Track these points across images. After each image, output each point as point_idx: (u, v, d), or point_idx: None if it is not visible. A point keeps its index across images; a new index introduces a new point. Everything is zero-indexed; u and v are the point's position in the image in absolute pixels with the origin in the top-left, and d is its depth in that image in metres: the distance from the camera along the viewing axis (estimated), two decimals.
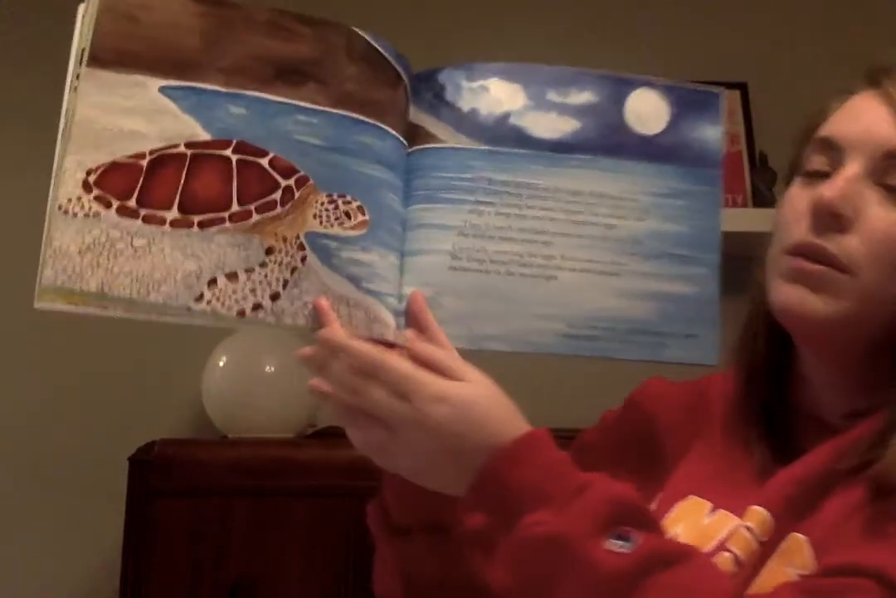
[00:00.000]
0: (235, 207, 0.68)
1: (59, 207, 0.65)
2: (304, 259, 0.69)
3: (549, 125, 0.75)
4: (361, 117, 0.72)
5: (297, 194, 0.69)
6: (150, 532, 1.44)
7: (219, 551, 1.44)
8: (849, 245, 0.66)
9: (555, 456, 0.63)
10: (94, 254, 0.65)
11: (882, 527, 0.60)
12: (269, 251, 0.68)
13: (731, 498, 0.70)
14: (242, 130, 0.69)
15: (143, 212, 0.66)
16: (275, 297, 0.68)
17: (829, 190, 0.67)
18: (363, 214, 0.70)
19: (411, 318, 0.69)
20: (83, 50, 0.68)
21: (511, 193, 0.74)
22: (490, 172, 0.73)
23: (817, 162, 0.71)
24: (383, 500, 0.75)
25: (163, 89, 0.68)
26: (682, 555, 0.59)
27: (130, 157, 0.67)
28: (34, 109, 1.88)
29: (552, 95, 0.75)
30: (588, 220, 0.74)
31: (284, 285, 0.68)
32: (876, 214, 0.66)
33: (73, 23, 0.69)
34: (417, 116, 0.74)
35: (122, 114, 0.67)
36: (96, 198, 0.66)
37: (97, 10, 0.67)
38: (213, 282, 0.67)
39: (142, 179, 0.67)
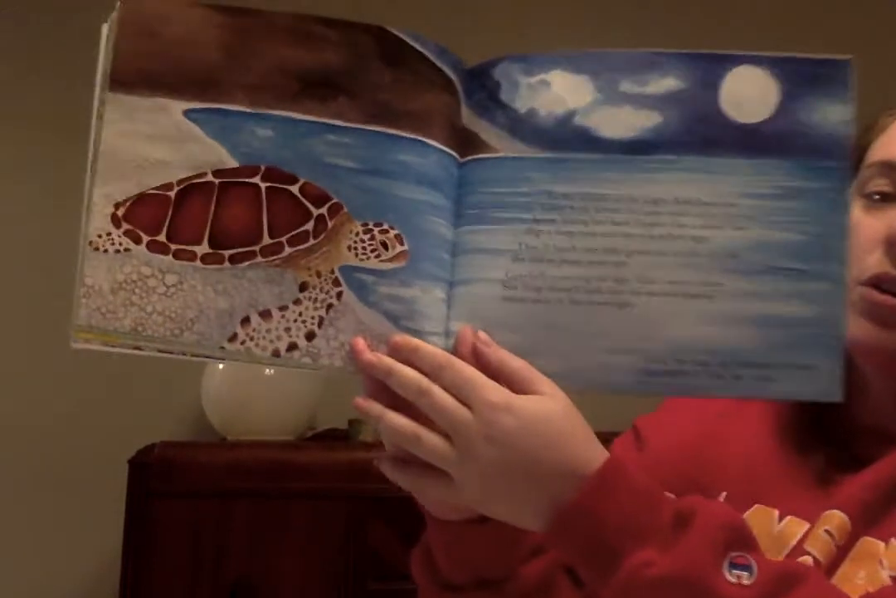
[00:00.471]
0: (266, 240, 0.64)
1: (91, 243, 0.63)
2: (339, 295, 0.64)
3: (623, 122, 0.64)
4: (399, 132, 0.65)
5: (330, 224, 0.65)
6: (150, 534, 1.44)
7: (218, 552, 1.44)
8: None
9: (644, 484, 0.59)
10: (127, 292, 0.63)
11: None
12: (302, 287, 0.65)
13: (797, 504, 0.69)
14: (270, 155, 0.65)
15: (173, 247, 0.64)
16: (310, 336, 0.64)
17: None
18: (402, 243, 0.64)
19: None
20: (106, 73, 0.64)
21: (575, 207, 0.64)
22: (550, 183, 0.64)
23: (881, 185, 0.68)
24: (430, 554, 0.70)
25: (187, 113, 0.64)
26: (799, 575, 0.58)
27: (158, 188, 0.64)
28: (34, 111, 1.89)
29: (626, 85, 0.64)
30: (672, 233, 0.63)
31: (320, 324, 0.64)
32: None
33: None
34: (471, 120, 0.66)
35: (147, 141, 0.64)
36: (126, 233, 0.63)
37: (117, 24, 0.64)
38: (246, 320, 0.64)
39: (171, 211, 0.64)
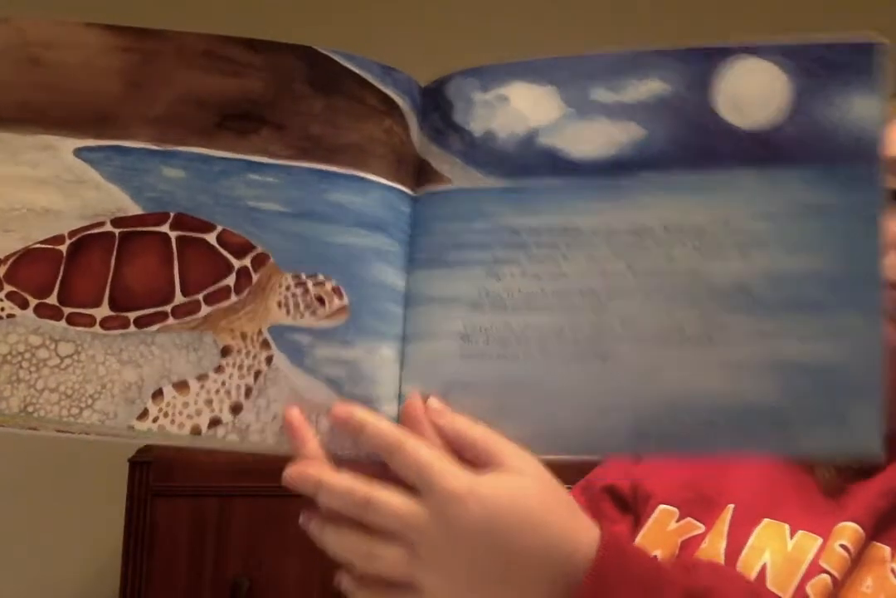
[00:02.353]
0: (179, 299, 0.56)
1: None
2: (269, 360, 0.55)
3: (597, 138, 0.54)
4: (333, 168, 0.56)
5: (255, 278, 0.56)
6: (150, 532, 1.44)
7: (219, 551, 1.45)
8: None
9: (646, 565, 0.53)
10: (13, 366, 0.55)
11: None
12: (225, 352, 0.56)
13: (808, 518, 0.68)
14: (181, 199, 0.55)
15: (67, 311, 0.55)
16: (236, 409, 0.55)
17: None
18: (341, 297, 0.55)
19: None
20: None
21: (542, 243, 0.54)
22: (511, 217, 0.54)
23: (892, 182, 0.59)
24: None
25: (79, 152, 0.56)
26: None
27: (46, 241, 0.55)
28: None
29: (600, 93, 0.54)
30: (661, 268, 0.52)
31: (247, 394, 0.55)
32: None
33: None
34: (425, 147, 0.57)
35: (31, 186, 0.55)
36: (9, 295, 0.55)
37: None
38: (158, 394, 0.55)
39: (62, 269, 0.55)
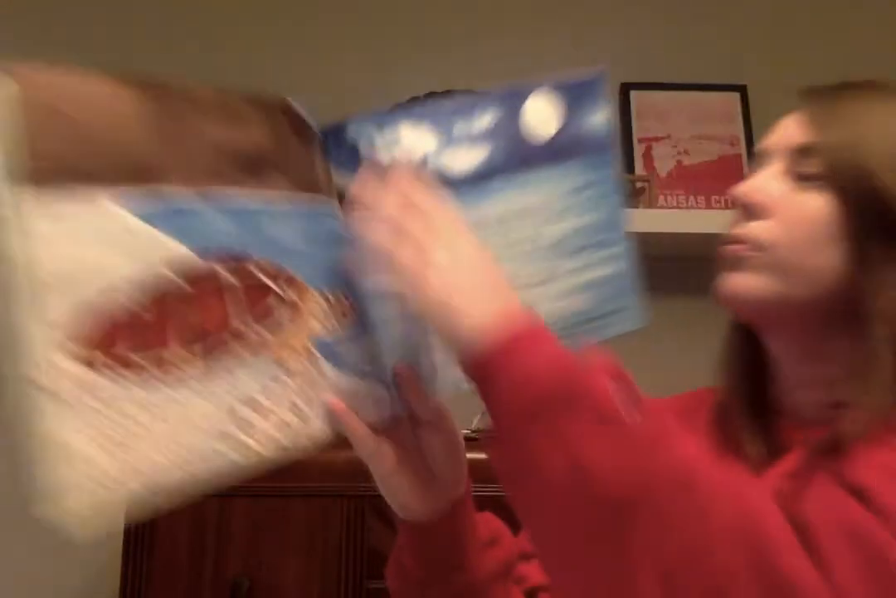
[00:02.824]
0: (235, 326, 0.60)
1: (46, 393, 0.52)
2: (315, 365, 0.65)
3: (463, 159, 0.75)
4: (322, 203, 0.68)
5: (292, 298, 0.64)
6: (150, 532, 1.44)
7: (219, 551, 1.44)
8: (765, 227, 0.72)
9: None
10: (115, 440, 0.54)
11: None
12: (280, 364, 0.62)
13: None
14: (223, 239, 0.61)
15: (143, 362, 0.56)
16: (298, 413, 0.63)
17: (741, 185, 0.75)
18: (350, 303, 0.68)
19: (403, 388, 0.70)
20: (13, 165, 0.52)
21: None
22: None
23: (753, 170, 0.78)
24: (400, 557, 0.77)
25: (123, 203, 0.57)
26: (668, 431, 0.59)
27: (106, 296, 0.54)
28: None
29: (459, 127, 0.75)
30: (517, 238, 0.76)
31: (306, 401, 0.64)
32: (789, 198, 0.72)
33: None
34: (339, 177, 0.71)
35: (85, 244, 0.54)
36: (106, 364, 0.54)
37: (18, 105, 0.52)
38: (240, 419, 0.60)
39: (133, 322, 0.55)
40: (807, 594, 0.48)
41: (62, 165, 0.54)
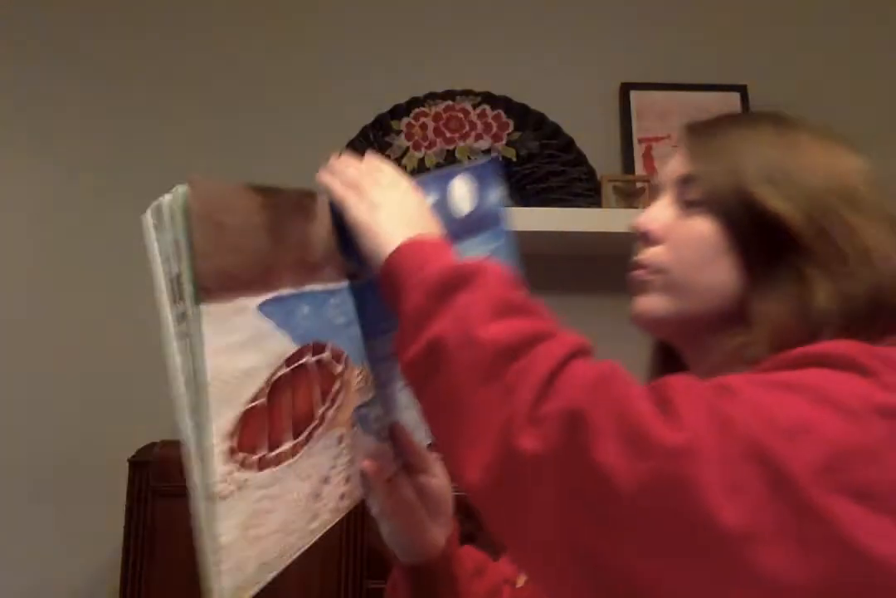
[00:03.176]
0: (318, 412, 0.64)
1: (216, 495, 0.54)
2: (355, 434, 0.70)
3: None
4: (344, 286, 0.71)
5: (344, 376, 0.68)
6: (150, 532, 1.44)
7: None
8: (659, 252, 0.78)
9: (447, 254, 0.70)
10: (255, 531, 0.56)
11: None
12: (340, 440, 0.67)
13: None
14: (312, 330, 0.64)
15: (271, 455, 0.58)
16: (347, 479, 0.69)
17: (638, 217, 0.81)
18: (370, 372, 0.73)
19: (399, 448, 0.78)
20: (184, 279, 0.53)
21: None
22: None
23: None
24: (394, 591, 0.86)
25: (261, 307, 0.59)
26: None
27: (254, 398, 0.57)
28: None
29: None
30: None
31: (351, 464, 0.69)
32: (677, 224, 0.78)
33: None
34: None
35: (239, 350, 0.56)
36: (242, 463, 0.55)
37: (191, 220, 0.53)
38: (317, 495, 0.64)
39: (268, 418, 0.58)
40: (655, 425, 0.52)
41: (227, 278, 0.55)
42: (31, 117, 1.88)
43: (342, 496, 0.67)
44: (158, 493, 1.46)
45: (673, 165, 0.83)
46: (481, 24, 1.95)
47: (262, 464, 0.57)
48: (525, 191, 1.84)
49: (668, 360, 0.84)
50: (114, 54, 1.90)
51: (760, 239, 0.73)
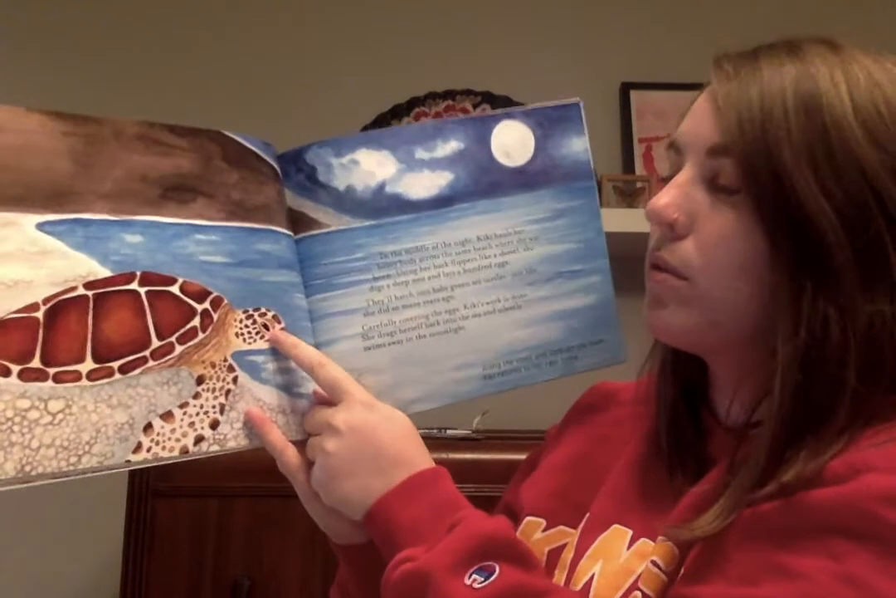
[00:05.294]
0: (156, 343, 0.65)
1: None
2: (235, 380, 0.68)
3: (424, 184, 0.76)
4: (254, 225, 0.71)
5: (215, 317, 0.68)
6: (150, 532, 1.44)
7: (219, 551, 1.45)
8: (685, 251, 0.64)
9: (447, 496, 0.65)
10: (4, 432, 0.58)
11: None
12: (200, 380, 0.66)
13: (651, 523, 0.66)
14: (143, 259, 0.65)
15: (51, 371, 0.60)
16: (214, 424, 0.67)
17: (658, 198, 0.65)
18: (279, 322, 0.71)
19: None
20: None
21: (403, 261, 0.75)
22: (379, 246, 0.75)
23: (669, 167, 0.69)
24: (342, 582, 0.79)
25: (41, 226, 0.61)
26: (541, 590, 0.59)
27: (20, 311, 0.59)
28: None
29: (420, 153, 0.77)
30: (480, 264, 0.77)
31: (221, 410, 0.67)
32: (706, 217, 0.64)
33: None
34: (295, 201, 0.75)
35: (10, 264, 0.59)
36: (5, 372, 0.58)
37: None
38: (148, 427, 0.64)
39: (41, 333, 0.60)
40: None
41: None
42: None
43: (199, 439, 0.66)
44: (158, 493, 1.46)
45: (701, 125, 0.65)
46: (481, 23, 1.95)
47: (26, 375, 0.59)
48: None
49: (680, 362, 0.74)
50: (112, 55, 1.91)
51: (800, 248, 0.59)
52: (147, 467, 1.45)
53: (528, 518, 0.75)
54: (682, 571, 0.61)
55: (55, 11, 1.91)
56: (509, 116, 0.78)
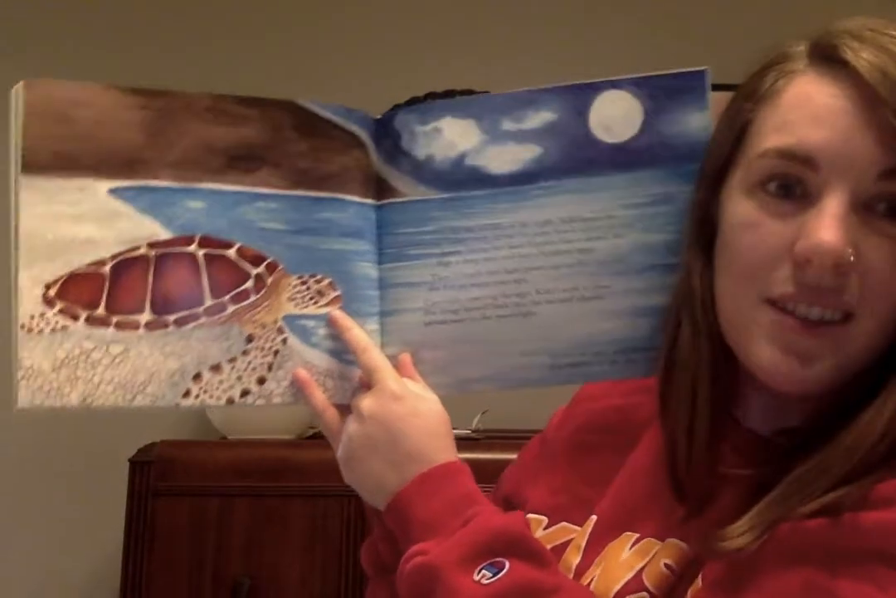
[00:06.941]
0: (209, 301, 0.69)
1: (23, 327, 0.64)
2: (285, 341, 0.71)
3: (507, 157, 0.71)
4: (320, 194, 0.72)
5: (268, 280, 0.71)
6: (150, 532, 1.44)
7: (219, 551, 1.45)
8: (853, 288, 0.57)
9: (465, 491, 0.65)
10: (71, 368, 0.65)
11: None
12: (249, 339, 0.70)
13: (659, 526, 0.66)
14: (204, 224, 0.69)
15: (114, 319, 0.67)
16: (261, 381, 0.70)
17: (828, 235, 0.55)
18: (335, 289, 0.72)
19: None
20: (18, 155, 0.65)
21: (476, 237, 0.72)
22: (452, 220, 0.72)
23: (779, 177, 0.60)
24: (374, 543, 0.75)
25: (112, 191, 0.67)
26: (549, 588, 0.59)
27: (90, 265, 0.66)
28: None
29: (507, 124, 0.71)
30: (560, 249, 0.71)
31: (269, 368, 0.71)
32: (871, 252, 0.57)
33: None
34: (381, 167, 0.74)
35: (71, 221, 0.66)
36: (61, 311, 0.65)
37: (23, 110, 0.65)
38: (197, 376, 0.69)
39: (107, 286, 0.67)
40: None
41: (63, 159, 0.66)
42: None
43: (245, 393, 0.70)
44: (158, 493, 1.46)
45: (862, 142, 0.56)
46: (482, 24, 1.95)
47: (92, 321, 0.66)
48: None
49: (720, 354, 0.65)
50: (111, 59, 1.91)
51: None
52: (147, 467, 1.47)
53: (530, 516, 0.74)
54: (703, 577, 0.60)
55: (55, 11, 1.91)
56: (615, 85, 0.69)
